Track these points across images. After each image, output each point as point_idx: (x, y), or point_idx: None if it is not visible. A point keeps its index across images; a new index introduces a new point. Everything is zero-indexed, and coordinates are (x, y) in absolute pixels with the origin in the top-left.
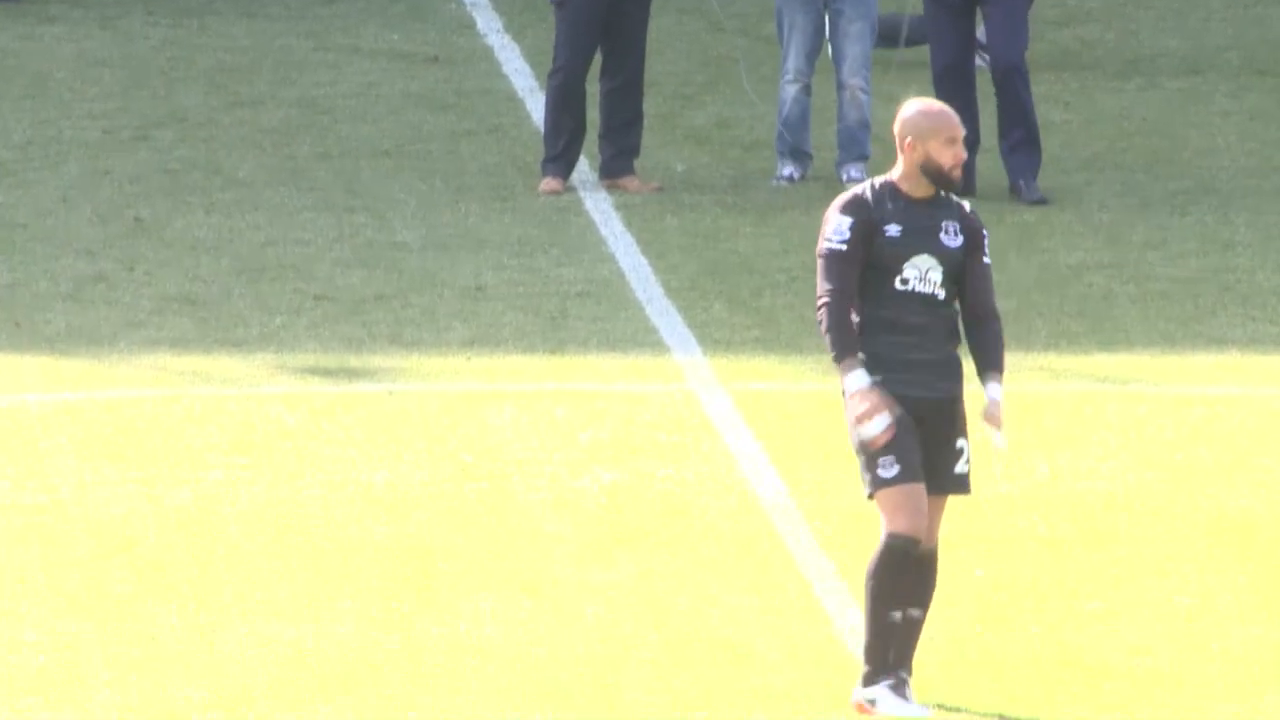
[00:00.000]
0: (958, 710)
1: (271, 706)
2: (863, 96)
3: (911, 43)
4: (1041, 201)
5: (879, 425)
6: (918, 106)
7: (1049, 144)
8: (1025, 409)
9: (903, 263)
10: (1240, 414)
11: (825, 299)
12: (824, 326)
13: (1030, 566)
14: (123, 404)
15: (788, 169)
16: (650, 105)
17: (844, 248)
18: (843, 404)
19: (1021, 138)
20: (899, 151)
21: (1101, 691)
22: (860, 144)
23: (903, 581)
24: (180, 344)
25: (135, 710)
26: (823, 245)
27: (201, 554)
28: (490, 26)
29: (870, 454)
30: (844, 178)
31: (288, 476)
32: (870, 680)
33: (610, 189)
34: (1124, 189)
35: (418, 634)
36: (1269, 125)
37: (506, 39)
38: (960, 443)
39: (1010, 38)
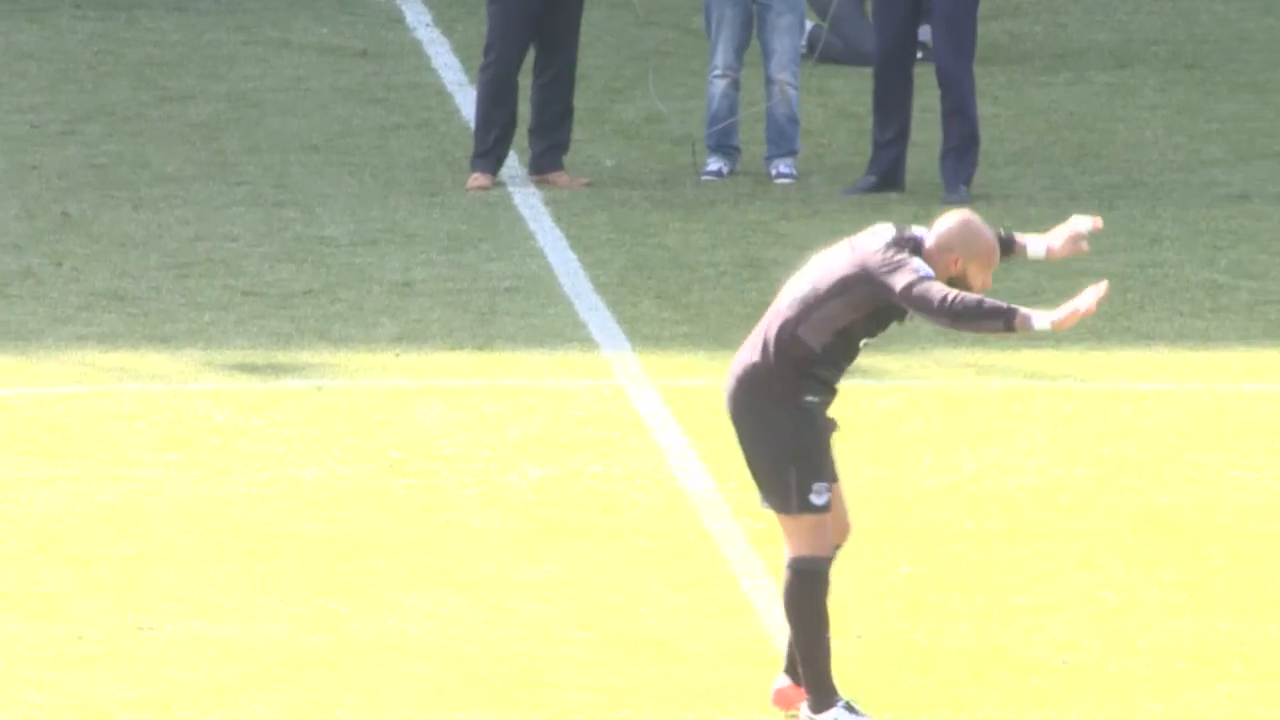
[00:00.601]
0: (884, 707)
1: (200, 704)
2: (791, 92)
3: (825, 57)
4: (965, 201)
5: (1093, 296)
6: (971, 226)
7: None
8: (952, 405)
9: (885, 329)
10: (1168, 409)
11: (953, 295)
12: (974, 315)
13: (957, 561)
14: (50, 400)
15: (716, 164)
16: (579, 100)
17: (934, 273)
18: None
19: (960, 145)
20: (936, 253)
21: (1028, 686)
22: (789, 139)
23: (826, 600)
24: (108, 340)
25: (63, 709)
26: (915, 277)
27: (130, 551)
28: (419, 20)
29: (801, 478)
30: (773, 173)
31: (216, 473)
32: (823, 705)
33: (539, 184)
34: (1052, 183)
35: (347, 631)
36: (1196, 119)
37: (436, 33)
38: None
39: (956, 46)
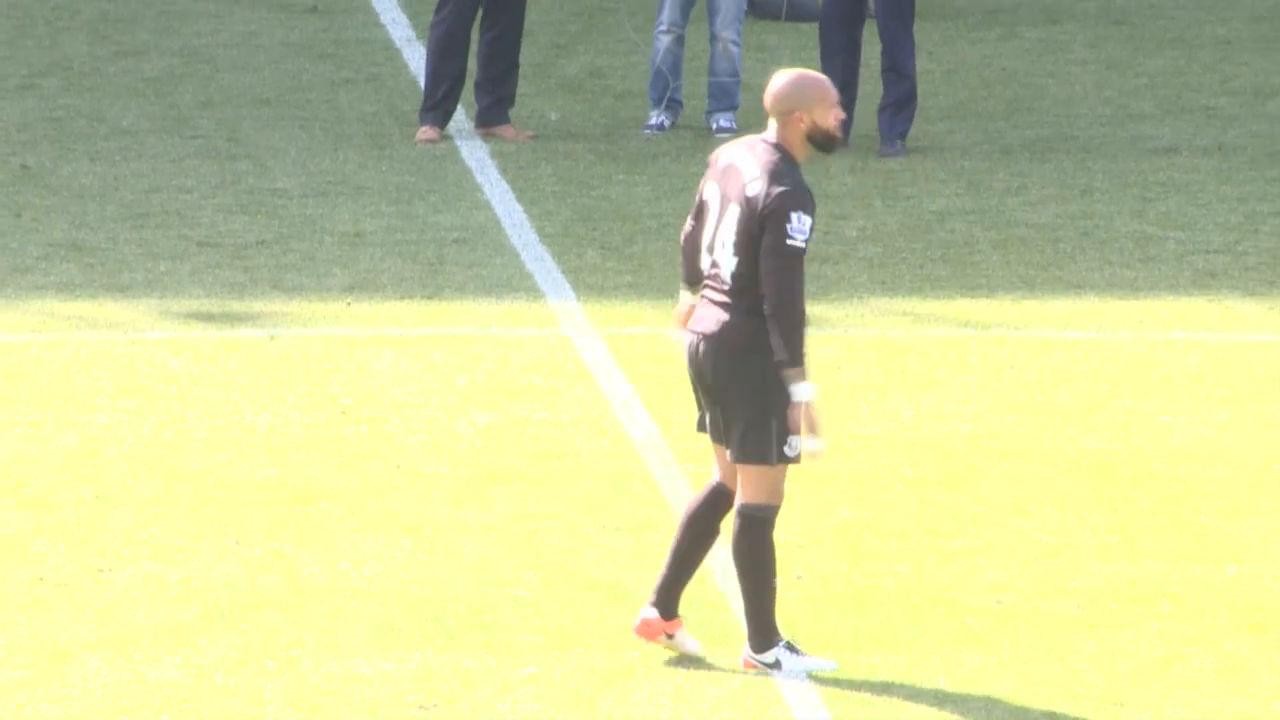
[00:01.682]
0: (823, 646)
1: (158, 644)
2: (734, 49)
3: (792, 18)
4: (902, 154)
5: (819, 445)
6: (793, 78)
7: None
8: (889, 353)
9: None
10: (1098, 357)
11: (796, 300)
12: (793, 327)
13: (895, 506)
14: (10, 348)
15: (659, 118)
16: (524, 54)
17: (805, 246)
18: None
19: (897, 101)
20: (780, 126)
21: (964, 627)
22: (731, 95)
23: (773, 546)
24: (66, 289)
25: (24, 649)
26: (791, 244)
27: (88, 496)
28: None
29: (781, 429)
30: (713, 127)
31: (172, 420)
32: (765, 645)
33: (486, 137)
34: (985, 137)
35: (300, 573)
36: (1125, 74)
37: None
38: None
39: (896, 5)
